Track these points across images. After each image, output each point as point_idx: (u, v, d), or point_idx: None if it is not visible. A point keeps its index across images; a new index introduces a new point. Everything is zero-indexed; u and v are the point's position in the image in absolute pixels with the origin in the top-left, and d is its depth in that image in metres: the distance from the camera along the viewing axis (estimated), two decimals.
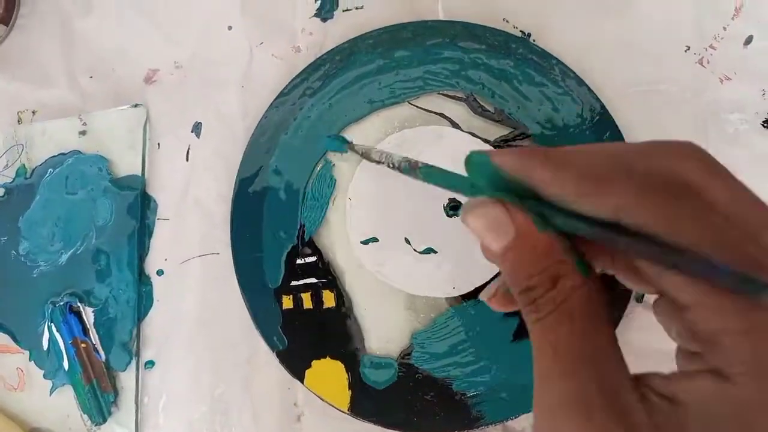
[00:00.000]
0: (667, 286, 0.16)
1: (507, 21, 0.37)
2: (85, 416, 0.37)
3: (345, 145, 0.35)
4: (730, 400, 0.15)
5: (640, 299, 0.36)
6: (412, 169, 0.26)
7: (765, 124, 0.35)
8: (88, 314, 0.37)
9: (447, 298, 0.36)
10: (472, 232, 0.18)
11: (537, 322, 0.17)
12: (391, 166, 0.29)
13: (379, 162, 0.31)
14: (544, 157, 0.17)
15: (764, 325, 0.15)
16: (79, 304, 0.37)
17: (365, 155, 0.33)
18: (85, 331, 0.37)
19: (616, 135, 0.35)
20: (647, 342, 0.35)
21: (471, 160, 0.19)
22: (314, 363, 0.35)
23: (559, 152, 0.17)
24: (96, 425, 0.37)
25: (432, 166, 0.24)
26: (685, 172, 0.16)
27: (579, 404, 0.16)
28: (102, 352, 0.37)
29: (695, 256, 0.15)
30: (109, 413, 0.37)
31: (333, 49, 0.36)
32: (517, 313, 0.35)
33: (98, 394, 0.37)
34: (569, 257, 0.17)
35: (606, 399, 0.16)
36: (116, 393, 0.37)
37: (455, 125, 0.36)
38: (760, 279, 0.14)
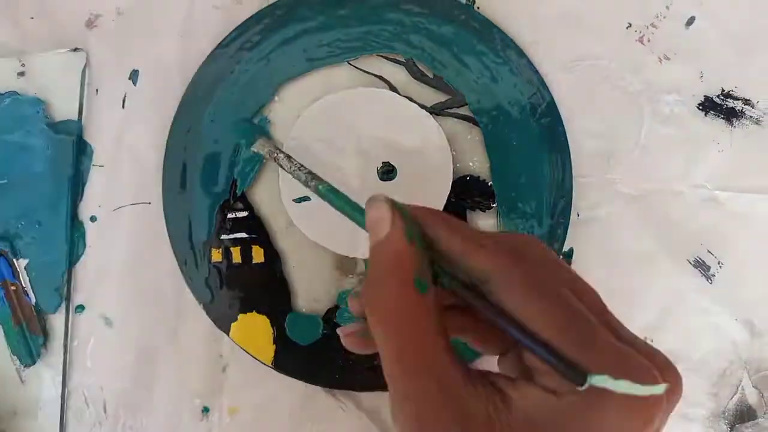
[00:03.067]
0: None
1: None
2: (15, 357, 0.37)
3: (256, 138, 0.34)
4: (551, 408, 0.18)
5: None
6: (311, 181, 0.28)
7: (700, 107, 0.36)
8: (18, 258, 0.37)
9: None
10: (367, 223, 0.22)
11: (379, 325, 0.20)
12: (296, 176, 0.30)
13: (286, 168, 0.32)
14: (442, 214, 0.22)
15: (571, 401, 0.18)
16: (8, 248, 0.37)
17: (274, 158, 0.32)
18: (15, 274, 0.37)
19: (552, 107, 0.35)
20: None
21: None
22: (240, 317, 0.36)
23: (455, 219, 0.22)
24: (25, 366, 0.37)
25: (332, 188, 0.27)
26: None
27: (419, 402, 0.19)
28: (32, 295, 0.37)
29: (538, 340, 0.19)
30: (38, 355, 0.37)
31: (275, 2, 0.36)
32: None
33: (27, 336, 0.37)
34: (417, 275, 0.20)
35: (443, 394, 0.18)
36: (45, 336, 0.37)
37: (393, 89, 0.36)
38: (581, 370, 0.18)
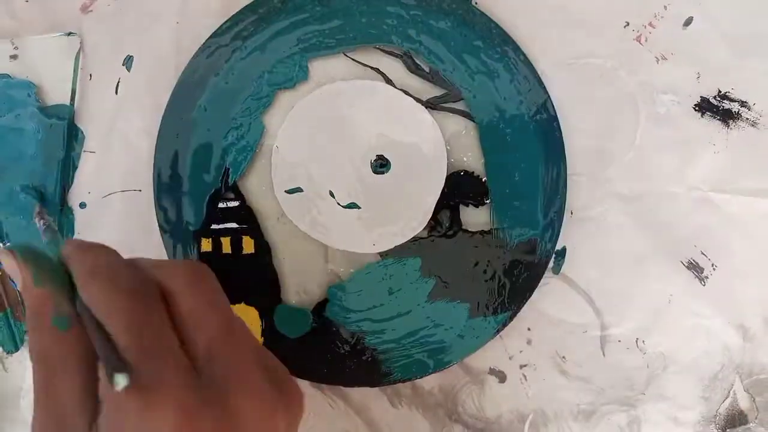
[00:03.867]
0: None
1: None
2: None
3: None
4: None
5: (557, 271, 0.36)
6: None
7: (696, 108, 0.36)
8: (5, 242, 0.36)
9: (366, 254, 0.36)
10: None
11: (30, 359, 0.22)
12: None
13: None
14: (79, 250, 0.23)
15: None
16: None
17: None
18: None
19: (549, 106, 0.35)
20: (561, 312, 0.36)
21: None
22: None
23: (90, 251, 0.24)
24: (8, 353, 0.37)
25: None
26: (166, 282, 0.23)
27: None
28: (18, 282, 0.36)
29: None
30: (22, 342, 0.37)
31: None
32: (433, 274, 0.35)
33: (11, 323, 0.37)
34: (54, 314, 0.21)
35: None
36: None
37: (389, 82, 0.36)
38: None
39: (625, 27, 0.35)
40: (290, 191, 0.35)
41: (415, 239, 0.35)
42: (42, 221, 0.29)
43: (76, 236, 0.37)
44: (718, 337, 0.36)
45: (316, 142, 0.35)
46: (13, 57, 0.37)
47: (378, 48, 0.36)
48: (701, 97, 0.35)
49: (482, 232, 0.35)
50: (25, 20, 0.37)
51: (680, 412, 0.36)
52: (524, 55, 0.35)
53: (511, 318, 0.35)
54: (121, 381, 0.19)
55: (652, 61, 0.35)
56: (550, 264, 0.36)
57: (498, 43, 0.35)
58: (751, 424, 0.36)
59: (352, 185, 0.35)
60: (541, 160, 0.35)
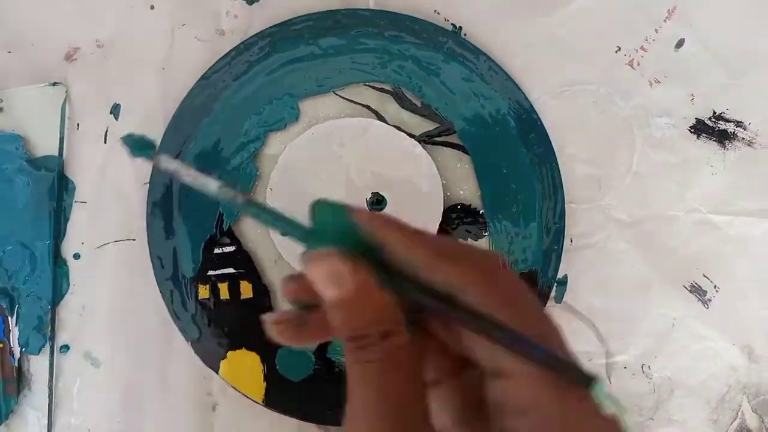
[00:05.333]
0: (485, 355, 0.19)
1: (438, 13, 0.36)
2: None
3: (150, 152, 0.30)
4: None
5: (559, 300, 0.36)
6: (232, 199, 0.23)
7: (692, 130, 0.35)
8: (13, 316, 0.36)
9: None
10: (311, 278, 0.19)
11: (360, 363, 0.18)
12: (205, 191, 0.25)
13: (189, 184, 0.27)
14: (402, 225, 0.19)
15: (572, 402, 0.17)
16: (6, 305, 0.36)
17: (174, 174, 0.28)
18: (5, 332, 0.36)
19: (542, 134, 0.35)
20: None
21: (322, 208, 0.20)
22: (230, 354, 0.35)
23: (411, 227, 0.19)
24: None
25: (258, 204, 0.21)
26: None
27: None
28: (17, 356, 0.36)
29: (517, 335, 0.17)
30: (7, 417, 0.36)
31: (258, 33, 0.35)
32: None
33: (1, 396, 0.36)
34: (400, 317, 0.18)
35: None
36: (25, 380, 0.36)
37: (381, 118, 0.35)
38: (566, 360, 0.18)
39: (616, 52, 0.35)
40: None
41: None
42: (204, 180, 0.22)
43: (72, 288, 0.36)
44: (724, 358, 0.36)
45: (310, 183, 0.35)
46: None
47: (368, 85, 0.35)
48: (696, 118, 0.35)
49: None
50: (9, 71, 0.36)
51: None
52: (515, 84, 0.35)
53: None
54: (600, 389, 0.17)
55: (645, 84, 0.35)
56: (552, 293, 0.35)
57: (488, 73, 0.35)
58: None
59: None
60: (538, 189, 0.35)
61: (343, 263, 0.18)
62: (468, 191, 0.35)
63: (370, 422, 0.18)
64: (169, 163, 0.23)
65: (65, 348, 0.36)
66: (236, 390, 0.35)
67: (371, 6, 0.36)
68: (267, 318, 0.21)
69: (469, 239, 0.35)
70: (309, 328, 0.20)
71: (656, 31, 0.35)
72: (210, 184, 0.21)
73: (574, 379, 0.17)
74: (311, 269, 0.19)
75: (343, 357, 0.32)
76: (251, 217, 0.22)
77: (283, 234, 0.21)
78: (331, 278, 0.18)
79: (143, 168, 0.35)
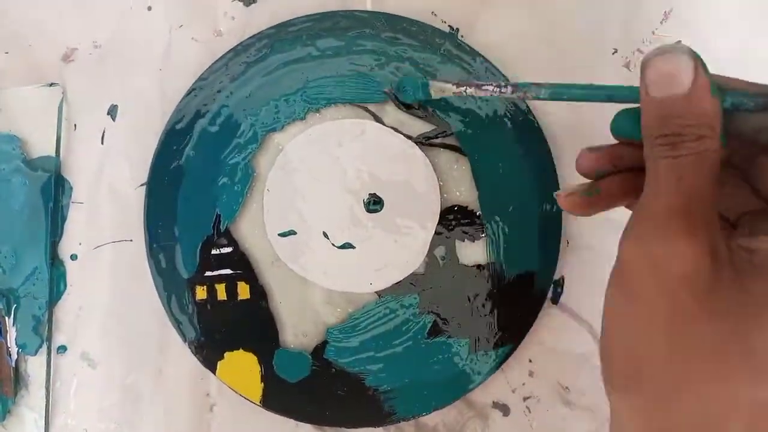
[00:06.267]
0: None
1: (435, 15, 0.36)
2: None
3: (426, 89, 0.31)
4: None
5: (556, 301, 0.36)
6: (529, 91, 0.26)
7: None
8: (10, 316, 0.36)
9: (363, 294, 0.35)
10: (646, 75, 0.20)
11: (667, 159, 0.19)
12: (497, 93, 0.28)
13: (484, 95, 0.29)
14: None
15: None
16: (3, 306, 0.36)
17: (463, 92, 0.30)
18: (2, 332, 0.36)
19: (539, 135, 0.35)
20: (559, 342, 0.36)
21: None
22: (227, 354, 0.35)
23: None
24: None
25: (560, 85, 0.25)
26: None
27: (686, 216, 0.19)
28: (14, 356, 0.36)
29: None
30: (3, 417, 0.36)
31: (255, 34, 0.35)
32: (432, 311, 0.35)
33: None
34: (718, 126, 0.19)
35: (705, 227, 0.19)
36: (22, 381, 0.36)
37: (378, 119, 0.35)
38: None
39: (613, 54, 0.35)
40: (283, 234, 0.35)
41: (411, 276, 0.35)
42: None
43: (69, 288, 0.36)
44: None
45: (307, 184, 0.35)
46: None
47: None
48: None
49: (479, 267, 0.35)
50: (6, 72, 0.36)
51: None
52: (513, 87, 0.35)
53: (512, 351, 0.35)
54: None
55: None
56: (549, 294, 0.35)
57: (485, 75, 0.35)
58: None
59: (346, 225, 0.35)
60: (535, 191, 0.35)
61: (691, 60, 0.19)
62: (465, 193, 0.35)
63: (664, 198, 0.19)
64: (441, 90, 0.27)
65: (62, 349, 0.36)
66: (233, 391, 0.35)
67: (369, 8, 0.36)
68: (560, 191, 0.24)
69: (466, 240, 0.35)
70: (601, 195, 0.23)
71: (653, 33, 0.35)
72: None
73: None
74: (656, 66, 0.20)
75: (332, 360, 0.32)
76: (561, 100, 0.25)
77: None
78: (670, 77, 0.19)
79: (140, 168, 0.35)
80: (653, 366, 0.19)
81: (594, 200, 0.23)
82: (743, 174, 0.23)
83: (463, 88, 0.29)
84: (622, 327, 0.21)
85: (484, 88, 0.28)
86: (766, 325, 0.18)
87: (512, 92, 0.27)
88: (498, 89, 0.28)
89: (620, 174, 0.24)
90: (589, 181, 0.24)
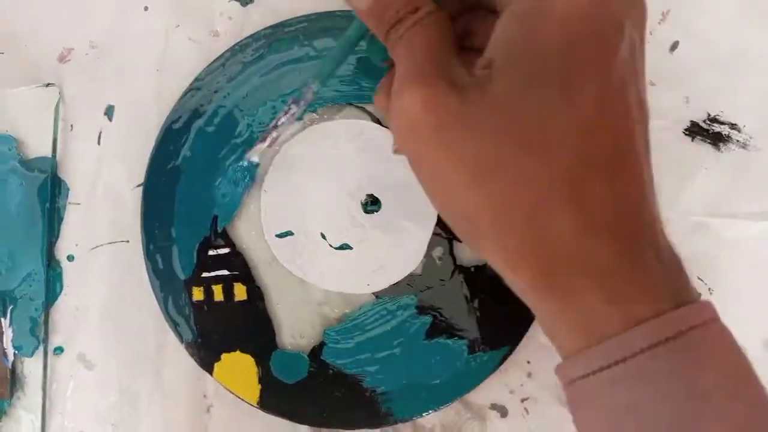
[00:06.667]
0: None
1: None
2: None
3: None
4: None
5: None
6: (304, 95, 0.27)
7: (687, 132, 0.35)
8: (6, 317, 0.36)
9: (361, 295, 0.35)
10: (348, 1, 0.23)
11: (399, 40, 0.22)
12: (291, 118, 0.28)
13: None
14: None
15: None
16: None
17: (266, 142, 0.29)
18: None
19: None
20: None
21: None
22: (224, 356, 0.35)
23: None
24: None
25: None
26: None
27: (417, 76, 0.21)
28: (10, 358, 0.36)
29: None
30: (0, 419, 0.36)
31: (252, 35, 0.35)
32: (430, 312, 0.35)
33: None
34: None
35: (440, 71, 0.21)
36: (19, 383, 0.36)
37: (376, 120, 0.35)
38: None
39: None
40: (281, 235, 0.35)
41: (409, 277, 0.35)
42: None
43: (65, 289, 0.36)
44: None
45: (304, 185, 0.35)
46: None
47: None
48: (691, 121, 0.35)
49: (477, 267, 0.35)
50: (2, 72, 0.36)
51: None
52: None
53: (510, 352, 0.35)
54: None
55: None
56: None
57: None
58: None
59: (344, 226, 0.35)
60: None
61: None
62: None
63: (414, 68, 0.22)
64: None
65: (59, 350, 0.36)
66: (230, 392, 0.35)
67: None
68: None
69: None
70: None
71: (650, 33, 0.35)
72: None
73: None
74: None
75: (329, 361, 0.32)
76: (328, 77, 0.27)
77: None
78: None
79: (137, 169, 0.35)
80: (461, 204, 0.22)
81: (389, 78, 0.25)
82: None
83: (269, 140, 0.29)
84: (429, 190, 0.24)
85: (280, 124, 0.28)
86: (511, 108, 0.20)
87: (297, 107, 0.28)
88: (288, 115, 0.28)
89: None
90: None
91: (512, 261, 0.22)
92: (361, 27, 0.25)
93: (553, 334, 0.24)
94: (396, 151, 0.26)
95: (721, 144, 0.35)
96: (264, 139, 0.29)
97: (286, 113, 0.28)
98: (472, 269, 0.35)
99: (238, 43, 0.35)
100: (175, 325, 0.35)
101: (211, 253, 0.35)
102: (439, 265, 0.35)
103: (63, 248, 0.36)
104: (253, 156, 0.29)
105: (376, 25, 0.23)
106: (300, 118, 0.28)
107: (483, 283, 0.35)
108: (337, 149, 0.35)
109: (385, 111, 0.26)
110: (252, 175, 0.35)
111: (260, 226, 0.35)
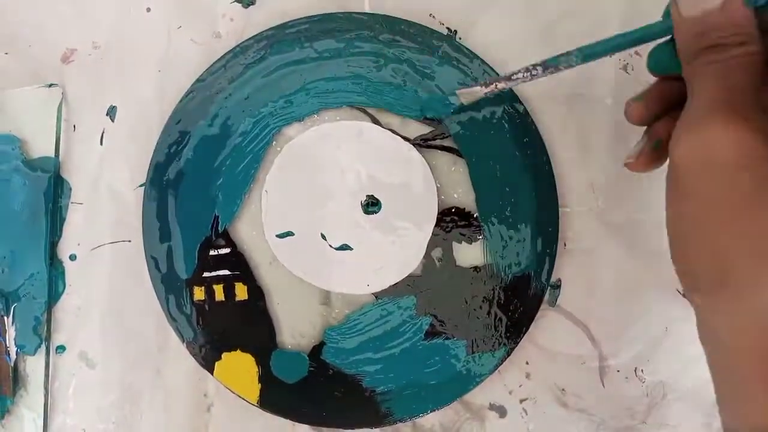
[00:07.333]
0: None
1: (433, 17, 0.36)
2: None
3: (454, 100, 0.32)
4: None
5: (553, 303, 0.36)
6: (560, 63, 0.26)
7: None
8: (9, 315, 0.36)
9: (361, 295, 0.36)
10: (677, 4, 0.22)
11: (711, 65, 0.21)
12: (529, 78, 0.28)
13: (514, 83, 0.30)
14: None
15: None
16: (1, 305, 0.36)
17: (494, 89, 0.30)
18: (2, 332, 0.36)
19: (537, 138, 0.35)
20: (556, 344, 0.36)
21: None
22: (225, 355, 0.35)
23: None
24: None
25: (587, 46, 0.26)
26: None
27: (731, 105, 0.20)
28: (13, 356, 0.36)
29: None
30: (2, 417, 0.36)
31: (254, 36, 0.35)
32: (429, 312, 0.35)
33: None
34: (755, 32, 0.21)
35: (753, 114, 0.20)
36: (21, 381, 0.36)
37: (375, 121, 0.35)
38: None
39: (610, 56, 0.35)
40: (281, 235, 0.35)
41: (409, 278, 0.35)
42: None
43: (67, 289, 0.36)
44: None
45: (305, 185, 0.35)
46: None
47: None
48: None
49: (476, 268, 0.35)
50: (5, 73, 0.36)
51: None
52: (510, 89, 0.35)
53: (509, 353, 0.35)
54: None
55: (639, 89, 0.35)
56: (546, 297, 0.35)
57: (484, 78, 0.35)
58: None
59: (344, 227, 0.35)
60: (532, 193, 0.35)
61: None
62: (462, 195, 0.35)
63: (712, 95, 0.21)
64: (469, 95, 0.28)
65: (61, 348, 0.36)
66: (231, 391, 0.35)
67: (367, 9, 0.36)
68: (628, 159, 0.27)
69: (463, 242, 0.35)
70: (665, 145, 0.24)
71: None
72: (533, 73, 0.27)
73: None
74: None
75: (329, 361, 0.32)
76: (595, 60, 0.26)
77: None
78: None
79: (139, 169, 0.35)
80: (736, 262, 0.20)
81: (662, 151, 0.25)
82: None
83: (492, 86, 0.30)
84: (692, 232, 0.22)
85: (514, 78, 0.29)
86: None
87: (543, 71, 0.28)
88: (528, 74, 0.28)
89: (673, 113, 0.25)
90: (644, 136, 0.26)
91: None
92: (661, 31, 0.24)
93: None
94: (628, 166, 0.26)
95: None
96: (487, 84, 0.29)
97: (528, 71, 0.28)
98: (471, 270, 0.35)
99: (240, 44, 0.35)
100: (176, 325, 0.35)
101: (212, 253, 0.35)
102: (439, 266, 0.35)
103: (65, 248, 0.36)
104: (465, 95, 0.30)
105: (687, 38, 0.22)
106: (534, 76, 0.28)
107: (482, 284, 0.35)
108: (337, 150, 0.35)
109: (636, 120, 0.26)
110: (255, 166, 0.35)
111: (261, 227, 0.35)
